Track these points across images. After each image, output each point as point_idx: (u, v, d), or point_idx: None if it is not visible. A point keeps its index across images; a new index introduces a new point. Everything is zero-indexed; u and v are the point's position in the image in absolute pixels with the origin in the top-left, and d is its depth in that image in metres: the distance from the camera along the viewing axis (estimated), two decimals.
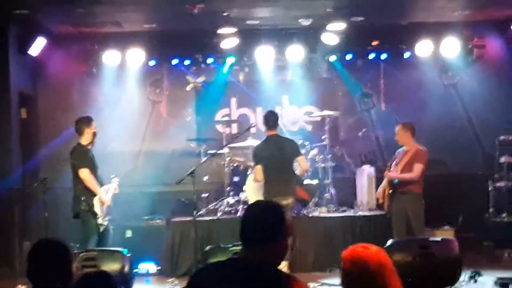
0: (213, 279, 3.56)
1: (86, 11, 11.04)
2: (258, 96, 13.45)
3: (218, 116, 13.49)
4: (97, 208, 9.40)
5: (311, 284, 8.95)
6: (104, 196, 9.50)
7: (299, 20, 12.09)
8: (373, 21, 12.15)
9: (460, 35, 12.61)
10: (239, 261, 3.66)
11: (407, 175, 9.90)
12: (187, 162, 11.57)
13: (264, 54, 12.86)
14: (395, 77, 13.38)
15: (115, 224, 10.00)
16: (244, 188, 11.35)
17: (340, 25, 12.19)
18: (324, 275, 9.89)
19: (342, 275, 3.54)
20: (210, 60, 13.09)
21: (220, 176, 12.17)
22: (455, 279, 8.55)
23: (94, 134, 9.73)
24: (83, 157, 9.56)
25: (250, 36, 12.64)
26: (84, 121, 9.76)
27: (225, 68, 13.29)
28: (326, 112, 12.27)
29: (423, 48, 12.72)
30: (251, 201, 10.95)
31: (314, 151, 11.92)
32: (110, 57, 12.62)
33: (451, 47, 12.68)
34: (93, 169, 9.58)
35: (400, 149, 10.21)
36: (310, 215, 11.28)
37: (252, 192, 10.84)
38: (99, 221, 9.42)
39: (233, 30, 12.27)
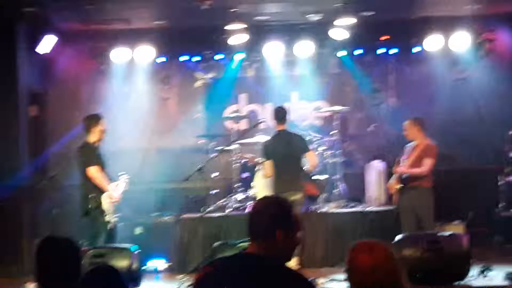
0: (220, 274, 3.55)
1: (95, 8, 11.02)
2: (267, 92, 13.43)
3: (227, 112, 13.46)
4: (105, 206, 9.38)
5: (320, 280, 8.93)
6: (113, 193, 9.49)
7: (308, 16, 12.06)
8: (382, 16, 12.08)
9: (470, 29, 12.54)
10: (245, 256, 3.67)
11: (416, 170, 9.89)
12: (196, 158, 11.55)
13: (273, 50, 12.84)
14: (404, 72, 13.32)
15: (124, 221, 10.00)
16: (252, 184, 11.35)
17: (349, 20, 12.13)
18: (333, 270, 9.87)
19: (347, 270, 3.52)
20: (219, 57, 13.10)
21: (229, 172, 12.14)
22: (464, 274, 8.55)
23: (103, 132, 9.67)
24: (91, 154, 9.53)
25: (259, 32, 12.62)
26: (92, 119, 9.70)
27: (234, 64, 13.28)
28: (336, 108, 12.24)
29: (433, 42, 12.66)
30: (260, 197, 10.96)
31: (323, 147, 11.90)
32: (119, 54, 12.64)
33: (461, 41, 12.61)
34: (101, 167, 9.55)
35: (409, 144, 10.18)
36: (320, 211, 11.26)
37: (261, 188, 10.84)
38: (108, 218, 9.40)
39: (242, 26, 12.24)
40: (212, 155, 11.04)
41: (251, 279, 3.46)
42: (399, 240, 8.79)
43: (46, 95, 12.80)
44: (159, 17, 11.97)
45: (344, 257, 3.52)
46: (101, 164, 9.57)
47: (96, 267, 4.06)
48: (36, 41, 11.83)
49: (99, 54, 12.75)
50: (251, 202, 11.20)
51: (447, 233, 9.08)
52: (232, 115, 13.04)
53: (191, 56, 13.11)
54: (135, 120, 12.83)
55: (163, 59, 13.04)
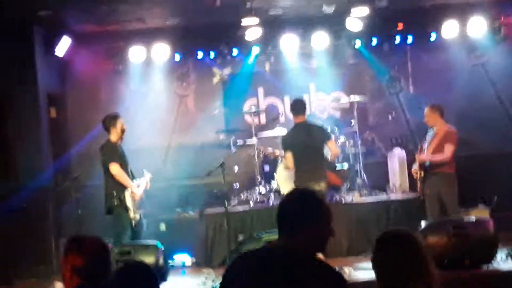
0: (249, 267, 3.54)
1: (109, 9, 11.08)
2: (285, 84, 13.44)
3: (246, 106, 13.49)
4: (128, 202, 9.41)
5: (346, 269, 8.92)
6: (136, 190, 9.53)
7: (322, 8, 12.01)
8: (397, 5, 12.02)
9: (486, 15, 12.47)
10: (273, 248, 3.62)
11: (438, 157, 9.86)
12: (217, 154, 11.61)
13: (288, 43, 12.79)
14: (422, 60, 13.29)
15: (148, 217, 10.04)
16: (274, 176, 11.36)
17: (363, 10, 12.06)
18: (359, 259, 9.85)
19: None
20: (235, 52, 13.10)
21: (250, 166, 12.17)
22: (491, 257, 8.51)
23: (123, 130, 9.72)
24: (112, 152, 9.58)
25: (273, 26, 12.58)
26: (110, 118, 9.75)
27: (251, 59, 13.29)
28: (354, 98, 12.22)
29: (449, 29, 12.60)
30: (282, 190, 10.99)
31: (344, 137, 11.89)
32: (135, 53, 12.66)
33: (478, 27, 12.55)
34: (123, 164, 9.58)
35: (430, 131, 10.15)
36: (343, 202, 11.25)
37: (283, 180, 10.86)
38: (131, 215, 9.44)
39: (256, 20, 12.19)
40: (233, 150, 11.05)
41: (280, 272, 3.41)
42: (424, 227, 8.77)
43: (65, 97, 12.87)
44: (173, 15, 11.98)
45: (369, 246, 3.51)
46: (124, 162, 9.63)
47: (127, 264, 4.06)
48: (53, 44, 11.90)
49: (116, 54, 12.80)
50: (274, 194, 11.24)
51: (472, 218, 9.04)
52: (250, 109, 13.05)
53: (207, 53, 13.11)
54: (154, 118, 12.87)
55: (179, 56, 13.06)
